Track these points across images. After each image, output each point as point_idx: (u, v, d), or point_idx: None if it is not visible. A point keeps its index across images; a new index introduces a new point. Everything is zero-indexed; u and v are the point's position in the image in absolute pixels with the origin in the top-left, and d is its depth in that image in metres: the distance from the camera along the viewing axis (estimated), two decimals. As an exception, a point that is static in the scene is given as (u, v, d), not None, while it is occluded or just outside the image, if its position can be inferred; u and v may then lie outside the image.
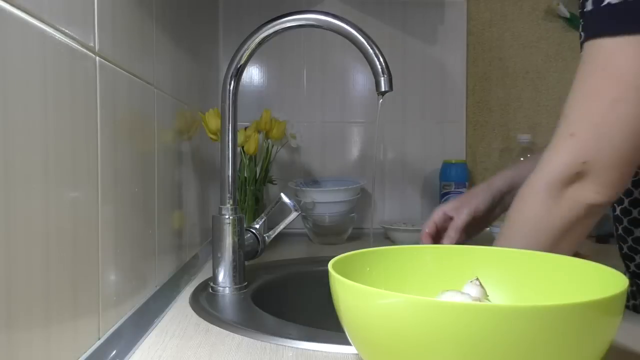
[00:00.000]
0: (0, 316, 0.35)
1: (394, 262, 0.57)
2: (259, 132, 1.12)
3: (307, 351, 0.55)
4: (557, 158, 0.57)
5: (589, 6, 0.55)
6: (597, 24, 0.55)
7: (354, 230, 1.25)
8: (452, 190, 1.35)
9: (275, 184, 1.29)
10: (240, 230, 0.78)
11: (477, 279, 0.53)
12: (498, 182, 0.86)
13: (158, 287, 0.74)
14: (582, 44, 0.57)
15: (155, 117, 0.72)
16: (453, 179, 1.36)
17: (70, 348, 0.46)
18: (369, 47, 0.72)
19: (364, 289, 0.41)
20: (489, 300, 0.52)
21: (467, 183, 1.37)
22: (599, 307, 0.38)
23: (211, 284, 0.79)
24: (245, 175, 1.11)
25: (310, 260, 1.04)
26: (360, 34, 0.72)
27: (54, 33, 0.42)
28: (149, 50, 0.70)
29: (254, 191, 1.12)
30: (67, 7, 0.45)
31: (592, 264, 0.50)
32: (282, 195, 0.88)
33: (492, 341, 0.36)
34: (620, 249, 0.77)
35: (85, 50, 0.48)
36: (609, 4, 0.53)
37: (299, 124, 1.27)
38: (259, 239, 0.84)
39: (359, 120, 1.44)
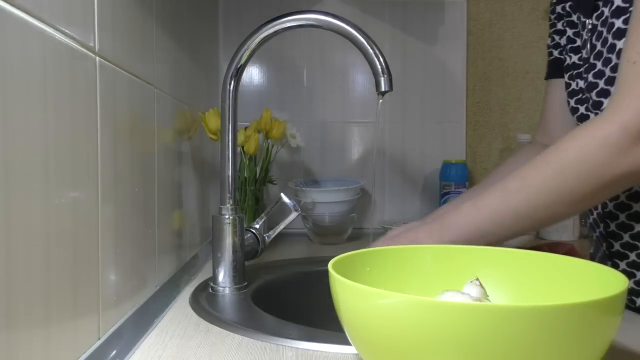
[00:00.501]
0: (0, 316, 0.35)
1: (394, 262, 0.57)
2: (259, 132, 1.12)
3: (307, 351, 0.55)
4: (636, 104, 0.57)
5: None
6: None
7: (354, 230, 1.25)
8: (452, 190, 1.35)
9: (275, 184, 1.29)
10: (240, 230, 0.78)
11: (477, 279, 0.53)
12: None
13: (158, 287, 0.74)
14: None
15: (155, 117, 0.72)
16: (453, 179, 1.36)
17: (70, 348, 0.46)
18: (369, 47, 0.72)
19: (364, 289, 0.41)
20: (489, 300, 0.52)
21: (467, 183, 1.37)
22: (599, 307, 0.38)
23: (211, 284, 0.79)
24: (245, 175, 1.11)
25: (310, 260, 1.04)
26: (360, 34, 0.72)
27: (54, 33, 0.42)
28: (149, 50, 0.70)
29: (254, 191, 1.12)
30: (67, 7, 0.45)
31: (592, 264, 0.50)
32: (282, 195, 0.88)
33: (492, 341, 0.36)
34: (609, 246, 0.75)
35: (85, 50, 0.48)
36: None
37: (299, 124, 1.27)
38: (259, 239, 0.84)
39: (359, 120, 1.44)
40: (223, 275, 0.78)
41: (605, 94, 0.69)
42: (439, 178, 1.39)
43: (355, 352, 0.53)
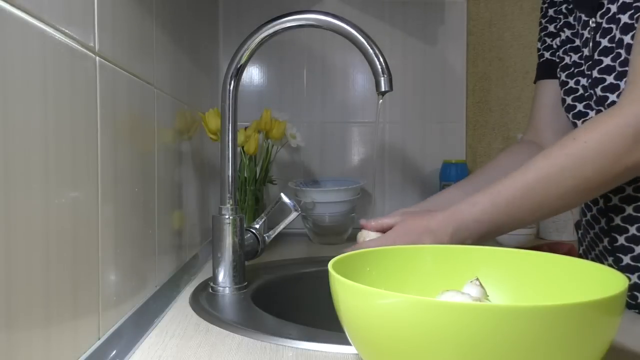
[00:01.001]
0: (0, 316, 0.35)
1: (394, 262, 0.57)
2: (259, 132, 1.12)
3: (307, 351, 0.55)
4: None
5: None
6: None
7: (353, 230, 1.25)
8: (452, 190, 1.35)
9: (275, 184, 1.29)
10: (240, 230, 0.78)
11: (477, 279, 0.53)
12: (443, 201, 0.86)
13: (158, 287, 0.74)
14: None
15: (155, 117, 0.72)
16: (453, 179, 1.36)
17: (70, 348, 0.46)
18: (369, 47, 0.72)
19: (364, 289, 0.41)
20: (489, 300, 0.52)
21: (467, 183, 1.36)
22: (599, 307, 0.38)
23: (211, 284, 0.79)
24: (245, 175, 1.11)
25: (310, 260, 1.04)
26: (360, 34, 0.72)
27: (54, 33, 0.42)
28: (149, 50, 0.70)
29: (254, 191, 1.12)
30: (67, 7, 0.45)
31: (592, 264, 0.50)
32: (282, 195, 0.88)
33: (492, 341, 0.36)
34: (612, 241, 0.75)
35: (85, 50, 0.48)
36: None
37: (299, 124, 1.27)
38: (259, 239, 0.84)
39: (359, 120, 1.44)
40: (223, 275, 0.78)
41: (613, 88, 0.71)
42: (439, 178, 1.39)
43: (355, 352, 0.53)
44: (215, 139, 0.99)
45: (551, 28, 0.88)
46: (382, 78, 0.72)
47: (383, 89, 0.73)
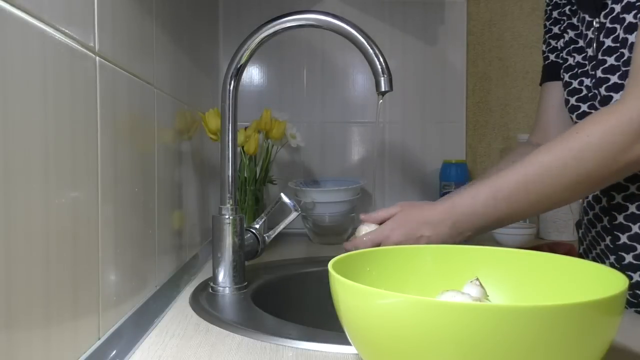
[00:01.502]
0: (0, 316, 0.35)
1: (394, 262, 0.57)
2: (259, 132, 1.12)
3: (307, 351, 0.55)
4: None
5: None
6: None
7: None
8: (452, 190, 1.35)
9: (275, 184, 1.29)
10: (240, 230, 0.78)
11: (477, 279, 0.53)
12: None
13: (158, 287, 0.74)
14: None
15: (155, 117, 0.72)
16: (453, 179, 1.36)
17: (70, 348, 0.46)
18: (369, 47, 0.72)
19: (364, 289, 0.41)
20: (489, 300, 0.52)
21: (467, 183, 1.37)
22: (599, 307, 0.38)
23: (211, 284, 0.79)
24: (245, 175, 1.11)
25: (310, 260, 1.04)
26: (360, 34, 0.72)
27: (54, 33, 0.42)
28: (149, 50, 0.70)
29: (254, 191, 1.12)
30: (67, 7, 0.45)
31: (592, 264, 0.50)
32: (282, 195, 0.88)
33: (492, 341, 0.36)
34: (615, 240, 0.75)
35: (85, 50, 0.48)
36: None
37: (299, 124, 1.27)
38: (259, 239, 0.84)
39: (359, 120, 1.44)
40: (223, 275, 0.78)
41: (617, 88, 0.71)
42: (439, 178, 1.39)
43: (355, 352, 0.53)
44: (215, 139, 0.99)
45: (555, 30, 0.89)
46: (382, 78, 0.72)
47: (383, 89, 0.73)
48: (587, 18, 0.77)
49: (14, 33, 0.36)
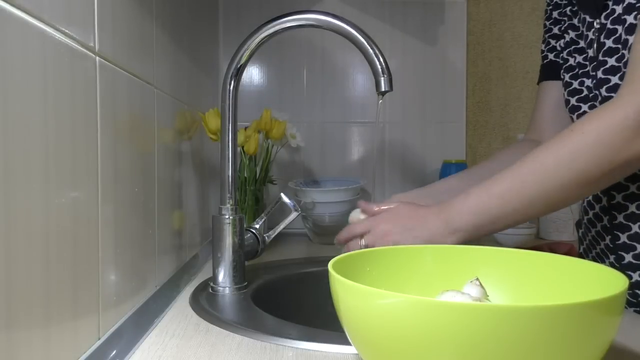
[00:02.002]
0: (0, 316, 0.35)
1: (394, 262, 0.57)
2: (259, 132, 1.12)
3: (307, 351, 0.55)
4: None
5: None
6: None
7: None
8: (452, 190, 1.35)
9: (275, 184, 1.29)
10: (240, 230, 0.78)
11: (477, 279, 0.53)
12: (441, 188, 0.87)
13: (158, 287, 0.74)
14: None
15: (155, 117, 0.72)
16: (453, 179, 1.36)
17: (70, 348, 0.46)
18: (369, 47, 0.72)
19: (364, 289, 0.41)
20: (489, 300, 0.52)
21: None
22: (599, 307, 0.38)
23: (211, 284, 0.79)
24: (245, 175, 1.11)
25: (310, 260, 1.04)
26: (360, 34, 0.72)
27: (54, 33, 0.42)
28: (149, 50, 0.70)
29: (254, 191, 1.12)
30: (67, 7, 0.45)
31: (592, 264, 0.50)
32: (282, 195, 0.88)
33: (492, 341, 0.36)
34: (614, 239, 0.75)
35: (85, 50, 0.48)
36: None
37: (299, 124, 1.27)
38: (259, 239, 0.84)
39: (359, 120, 1.44)
40: (223, 275, 0.78)
41: (617, 89, 0.70)
42: (439, 178, 1.39)
43: (355, 352, 0.53)
44: (215, 139, 0.99)
45: (555, 30, 0.89)
46: (382, 78, 0.72)
47: (383, 89, 0.73)
48: (588, 19, 0.78)
49: (14, 33, 0.36)
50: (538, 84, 0.94)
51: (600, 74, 0.73)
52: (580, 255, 0.86)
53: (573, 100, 0.80)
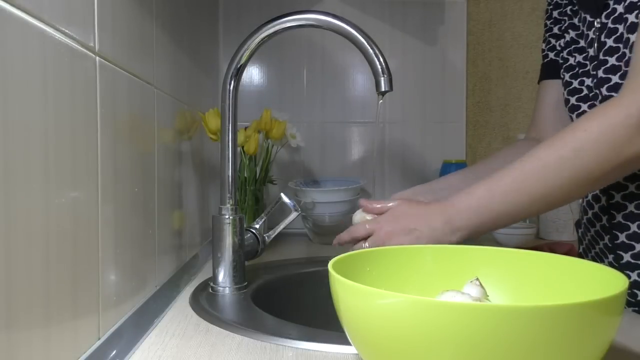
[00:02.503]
0: (0, 316, 0.35)
1: (394, 262, 0.57)
2: (259, 132, 1.12)
3: (307, 351, 0.55)
4: None
5: None
6: None
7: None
8: (452, 190, 1.35)
9: (275, 184, 1.29)
10: (240, 230, 0.78)
11: (477, 279, 0.53)
12: (442, 185, 0.88)
13: (158, 287, 0.74)
14: None
15: (155, 117, 0.72)
16: (453, 179, 1.36)
17: (70, 348, 0.46)
18: (369, 47, 0.72)
19: (364, 289, 0.41)
20: (489, 300, 0.52)
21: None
22: (599, 307, 0.38)
23: (211, 284, 0.79)
24: (245, 175, 1.11)
25: (310, 260, 1.04)
26: (360, 34, 0.72)
27: (54, 33, 0.42)
28: (149, 50, 0.70)
29: (254, 191, 1.12)
30: (67, 7, 0.45)
31: (592, 264, 0.50)
32: (282, 195, 0.88)
33: (492, 341, 0.36)
34: (613, 239, 0.75)
35: (85, 50, 0.48)
36: None
37: (299, 124, 1.27)
38: (259, 239, 0.84)
39: (359, 120, 1.44)
40: (223, 275, 0.78)
41: (618, 88, 0.71)
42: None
43: (355, 352, 0.53)
44: (215, 139, 0.99)
45: (556, 30, 0.89)
46: (382, 78, 0.72)
47: (383, 89, 0.73)
48: (589, 18, 0.78)
49: (14, 33, 0.36)
50: (539, 82, 0.94)
51: (601, 73, 0.73)
52: (580, 255, 0.86)
53: (573, 100, 0.80)
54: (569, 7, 0.86)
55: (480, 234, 0.73)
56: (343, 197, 1.21)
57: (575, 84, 0.80)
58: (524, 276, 0.55)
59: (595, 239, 0.79)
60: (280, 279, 0.91)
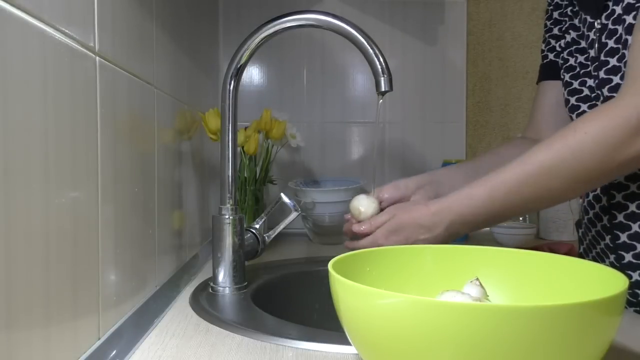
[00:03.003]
0: (0, 316, 0.35)
1: (394, 262, 0.57)
2: (259, 132, 1.12)
3: (307, 351, 0.55)
4: None
5: None
6: None
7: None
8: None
9: (275, 184, 1.29)
10: (240, 230, 0.78)
11: (477, 279, 0.53)
12: (442, 179, 0.88)
13: (158, 287, 0.74)
14: None
15: (155, 117, 0.72)
16: (453, 179, 1.36)
17: (70, 348, 0.46)
18: (369, 47, 0.72)
19: (364, 289, 0.41)
20: (489, 300, 0.52)
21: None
22: (599, 307, 0.38)
23: (211, 284, 0.79)
24: (245, 175, 1.11)
25: (310, 260, 1.04)
26: (360, 34, 0.72)
27: (54, 33, 0.42)
28: (149, 50, 0.70)
29: (254, 191, 1.12)
30: (67, 7, 0.45)
31: (592, 264, 0.50)
32: (282, 195, 0.88)
33: (492, 341, 0.36)
34: (614, 239, 0.75)
35: (85, 50, 0.48)
36: None
37: (299, 124, 1.27)
38: (259, 239, 0.84)
39: (359, 120, 1.44)
40: (223, 275, 0.78)
41: (619, 89, 0.71)
42: (439, 178, 1.39)
43: (355, 352, 0.53)
44: (215, 139, 0.99)
45: (556, 30, 0.89)
46: (382, 78, 0.72)
47: (383, 89, 0.73)
48: (589, 19, 0.78)
49: (14, 33, 0.36)
50: (537, 83, 0.94)
51: (602, 74, 0.73)
52: (580, 255, 0.86)
53: (573, 100, 0.80)
54: (570, 8, 0.86)
55: (475, 230, 0.77)
56: (343, 197, 1.21)
57: (576, 84, 0.80)
58: (524, 276, 0.55)
59: (596, 239, 0.79)
60: (280, 279, 0.91)
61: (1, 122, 0.35)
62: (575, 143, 0.64)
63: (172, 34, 0.82)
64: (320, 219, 1.21)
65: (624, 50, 0.70)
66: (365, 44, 0.72)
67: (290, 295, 0.92)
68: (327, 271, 0.47)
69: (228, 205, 0.78)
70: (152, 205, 0.71)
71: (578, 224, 0.87)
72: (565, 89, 0.82)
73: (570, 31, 0.85)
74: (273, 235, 0.87)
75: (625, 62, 0.70)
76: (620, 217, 0.74)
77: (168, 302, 0.72)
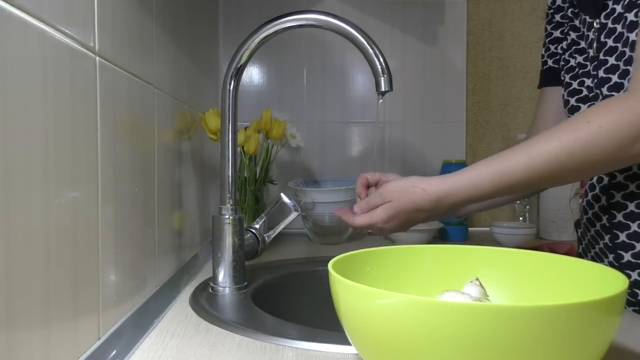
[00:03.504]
0: (0, 316, 0.35)
1: (394, 262, 0.57)
2: (259, 132, 1.12)
3: (307, 351, 0.55)
4: None
5: None
6: None
7: (354, 230, 1.25)
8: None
9: (275, 184, 1.29)
10: (240, 230, 0.78)
11: (477, 279, 0.53)
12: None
13: (158, 287, 0.74)
14: None
15: (155, 117, 0.72)
16: (453, 179, 1.36)
17: (70, 348, 0.46)
18: (369, 47, 0.72)
19: (364, 289, 0.41)
20: (489, 300, 0.52)
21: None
22: (599, 307, 0.38)
23: (211, 284, 0.79)
24: (245, 175, 1.11)
25: (310, 260, 1.04)
26: (360, 34, 0.72)
27: (54, 33, 0.42)
28: (149, 50, 0.70)
29: (254, 191, 1.12)
30: (67, 7, 0.45)
31: (592, 264, 0.50)
32: (282, 195, 0.88)
33: (492, 341, 0.36)
34: (613, 238, 0.75)
35: (85, 50, 0.48)
36: None
37: (299, 124, 1.28)
38: (259, 239, 0.84)
39: (359, 120, 1.44)
40: (223, 275, 0.78)
41: (618, 87, 0.71)
42: (439, 178, 1.39)
43: (355, 352, 0.53)
44: (215, 139, 0.99)
45: (557, 34, 0.89)
46: (382, 78, 0.72)
47: (383, 89, 0.73)
48: (588, 19, 0.78)
49: (14, 33, 0.36)
50: (539, 87, 0.94)
51: (601, 73, 0.73)
52: (580, 255, 0.86)
53: (572, 101, 0.80)
54: (570, 10, 0.86)
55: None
56: (343, 197, 1.21)
57: (575, 85, 0.80)
58: (524, 276, 0.55)
59: (595, 238, 0.79)
60: (280, 279, 0.91)
61: (1, 122, 0.35)
62: (587, 136, 0.64)
63: (172, 34, 0.82)
64: (320, 219, 1.21)
65: (623, 49, 0.70)
66: (365, 44, 0.72)
67: (290, 295, 0.92)
68: (327, 271, 0.47)
69: (228, 205, 0.78)
70: (152, 205, 0.71)
71: (577, 224, 0.87)
72: (565, 90, 0.82)
73: (571, 32, 0.85)
74: (273, 235, 0.87)
75: (624, 60, 0.70)
76: (619, 217, 0.74)
77: (168, 302, 0.72)
